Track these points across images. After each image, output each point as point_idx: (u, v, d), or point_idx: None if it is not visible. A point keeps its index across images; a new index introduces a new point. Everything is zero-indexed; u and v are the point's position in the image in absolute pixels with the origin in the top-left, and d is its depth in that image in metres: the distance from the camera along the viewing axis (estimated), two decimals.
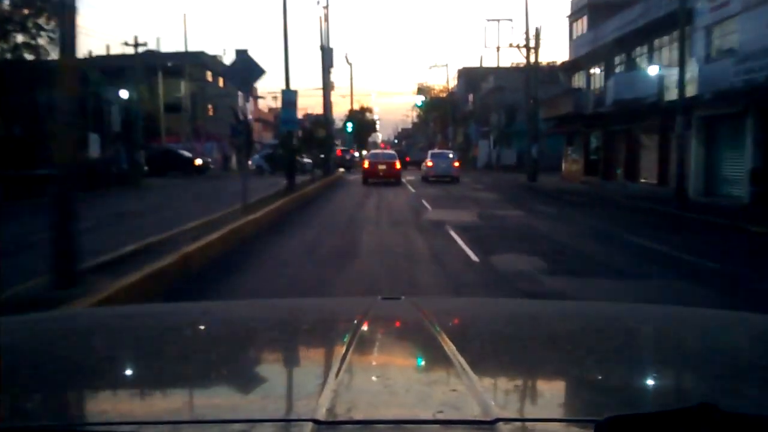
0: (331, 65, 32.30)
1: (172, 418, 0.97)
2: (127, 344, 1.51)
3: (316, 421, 0.87)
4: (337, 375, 1.07)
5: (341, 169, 53.04)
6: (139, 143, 35.37)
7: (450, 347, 1.24)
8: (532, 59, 33.43)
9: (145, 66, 53.04)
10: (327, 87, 31.71)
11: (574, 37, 33.25)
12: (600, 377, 1.24)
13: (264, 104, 78.93)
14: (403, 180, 32.04)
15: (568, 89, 31.55)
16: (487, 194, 23.48)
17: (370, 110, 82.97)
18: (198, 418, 0.99)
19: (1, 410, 0.99)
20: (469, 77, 68.83)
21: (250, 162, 44.14)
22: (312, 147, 26.30)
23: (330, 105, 34.02)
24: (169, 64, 51.55)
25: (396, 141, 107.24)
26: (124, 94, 35.52)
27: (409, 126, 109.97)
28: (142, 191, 26.90)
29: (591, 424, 0.82)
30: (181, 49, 51.96)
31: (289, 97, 19.15)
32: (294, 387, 1.18)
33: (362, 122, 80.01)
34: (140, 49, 36.67)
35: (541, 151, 34.33)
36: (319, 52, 31.85)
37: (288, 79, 19.12)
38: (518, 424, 0.91)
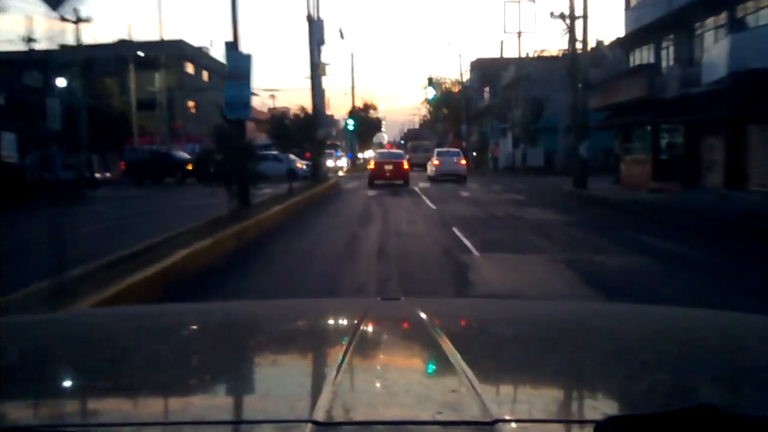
0: (321, 41, 25.00)
1: (172, 419, 0.98)
2: (127, 345, 1.48)
3: (315, 422, 0.87)
4: (336, 376, 1.07)
5: (341, 172, 45.92)
6: (83, 144, 28.23)
7: (449, 348, 1.23)
8: (579, 35, 26.10)
9: (114, 57, 46.25)
10: (315, 69, 24.38)
11: (633, 3, 25.90)
12: (599, 378, 1.22)
13: (260, 102, 72.09)
14: (415, 189, 24.93)
15: (636, 67, 24.07)
16: (540, 212, 16.14)
17: (374, 107, 75.43)
18: (198, 419, 0.98)
19: (2, 411, 0.98)
20: (484, 69, 61.55)
21: None
22: (288, 146, 18.83)
23: (322, 95, 26.72)
24: (141, 54, 44.26)
25: (402, 142, 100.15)
26: (61, 82, 28.38)
27: (416, 126, 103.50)
28: (67, 209, 19.45)
29: (590, 424, 0.82)
30: (159, 37, 44.55)
31: (237, 63, 11.83)
32: (293, 388, 1.17)
33: (365, 121, 72.66)
34: (83, 26, 29.33)
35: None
36: (308, 27, 24.58)
37: (236, 33, 11.80)
38: (518, 424, 0.90)
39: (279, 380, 1.23)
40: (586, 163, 25.59)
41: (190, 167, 34.47)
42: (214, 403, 1.10)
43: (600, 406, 1.05)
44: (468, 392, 1.00)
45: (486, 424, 0.87)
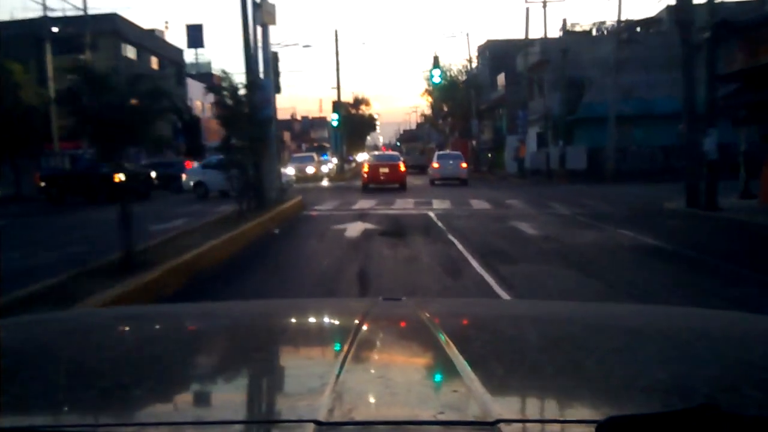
0: None
1: (174, 419, 0.97)
2: (130, 345, 1.48)
3: (317, 422, 0.86)
4: (338, 376, 1.06)
5: (326, 181, 35.06)
6: None
7: (451, 348, 1.23)
8: None
9: (26, 36, 35.70)
10: (249, 8, 13.67)
11: None
12: (601, 378, 1.21)
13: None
14: (432, 216, 14.51)
15: None
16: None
17: (366, 102, 64.74)
18: (200, 419, 0.98)
19: (5, 410, 0.96)
20: (496, 53, 51.21)
21: (184, 177, 26.63)
22: (106, 144, 8.01)
23: (270, 59, 16.15)
24: (55, 30, 33.48)
25: (398, 144, 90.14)
26: None
27: (413, 127, 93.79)
28: None
29: (592, 424, 0.81)
30: (83, 10, 33.90)
31: None
32: (295, 388, 1.17)
33: (356, 118, 62.10)
34: None
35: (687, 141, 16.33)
36: None
37: None
38: (519, 425, 0.89)
39: (281, 380, 1.23)
40: (716, 166, 15.07)
41: (117, 179, 24.37)
42: (216, 403, 1.10)
43: (601, 406, 1.04)
44: (469, 392, 0.99)
45: (487, 424, 0.86)
